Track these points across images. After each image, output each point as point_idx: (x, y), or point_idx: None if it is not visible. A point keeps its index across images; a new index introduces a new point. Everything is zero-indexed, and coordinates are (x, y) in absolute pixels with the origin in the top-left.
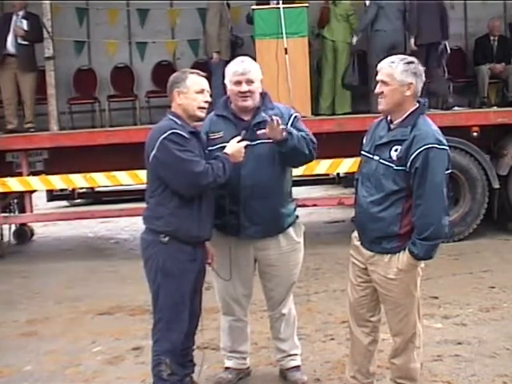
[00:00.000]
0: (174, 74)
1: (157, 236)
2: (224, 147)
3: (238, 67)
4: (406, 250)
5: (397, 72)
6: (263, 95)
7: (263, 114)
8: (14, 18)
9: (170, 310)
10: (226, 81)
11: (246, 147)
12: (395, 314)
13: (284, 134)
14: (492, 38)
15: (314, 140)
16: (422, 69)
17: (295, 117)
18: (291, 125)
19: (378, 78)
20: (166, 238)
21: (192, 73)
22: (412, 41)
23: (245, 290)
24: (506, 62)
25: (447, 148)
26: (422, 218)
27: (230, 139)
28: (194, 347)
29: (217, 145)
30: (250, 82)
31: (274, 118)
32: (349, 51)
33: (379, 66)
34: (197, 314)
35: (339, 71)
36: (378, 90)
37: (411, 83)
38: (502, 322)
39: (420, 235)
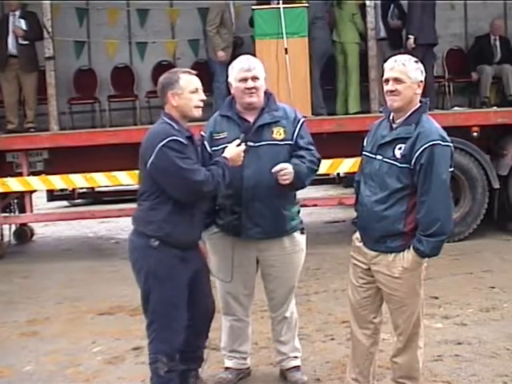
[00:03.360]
0: (165, 76)
1: (147, 240)
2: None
3: (244, 64)
4: (411, 249)
5: (410, 70)
6: (268, 96)
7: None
8: (11, 18)
9: (162, 313)
10: (231, 79)
11: (245, 151)
12: (400, 313)
13: (288, 181)
14: (493, 37)
15: (318, 156)
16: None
17: (302, 123)
18: (297, 133)
19: (390, 75)
20: (156, 243)
21: (183, 72)
22: (411, 40)
23: (246, 290)
24: (507, 62)
25: (451, 145)
26: (428, 214)
27: (233, 140)
28: (205, 345)
29: (220, 145)
30: (255, 78)
31: (276, 170)
32: (358, 51)
33: (389, 65)
34: (206, 312)
35: (350, 72)
36: (390, 87)
37: (421, 81)
38: (502, 321)
39: (425, 232)
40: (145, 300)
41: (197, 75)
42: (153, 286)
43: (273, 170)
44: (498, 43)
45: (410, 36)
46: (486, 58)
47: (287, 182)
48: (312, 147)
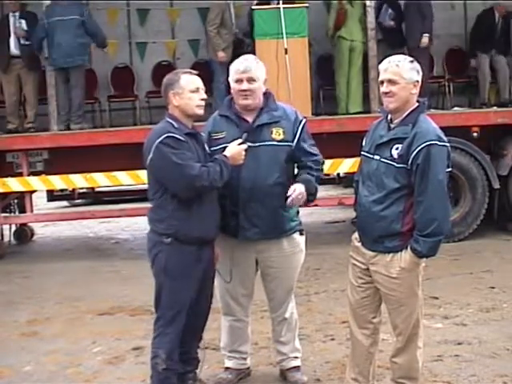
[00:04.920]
0: (167, 77)
1: (160, 237)
2: (226, 147)
3: (240, 65)
4: (408, 249)
5: (404, 70)
6: (267, 95)
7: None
8: (12, 19)
9: (170, 309)
10: (230, 79)
11: (246, 150)
12: (398, 313)
13: (303, 200)
14: (497, 15)
15: (322, 159)
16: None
17: (303, 125)
18: (299, 136)
19: (384, 77)
20: (169, 239)
21: (184, 73)
22: (427, 38)
23: (245, 291)
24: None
25: (448, 145)
26: (425, 214)
27: (232, 140)
28: (200, 345)
29: (219, 145)
30: (251, 80)
31: (295, 196)
32: (363, 51)
33: (383, 66)
34: (204, 313)
35: (353, 71)
36: (385, 89)
37: (417, 81)
38: (502, 322)
39: (422, 232)
40: (157, 296)
41: (198, 75)
42: (164, 283)
43: (288, 201)
44: (500, 24)
45: (426, 34)
46: (487, 35)
47: (302, 202)
48: (315, 149)
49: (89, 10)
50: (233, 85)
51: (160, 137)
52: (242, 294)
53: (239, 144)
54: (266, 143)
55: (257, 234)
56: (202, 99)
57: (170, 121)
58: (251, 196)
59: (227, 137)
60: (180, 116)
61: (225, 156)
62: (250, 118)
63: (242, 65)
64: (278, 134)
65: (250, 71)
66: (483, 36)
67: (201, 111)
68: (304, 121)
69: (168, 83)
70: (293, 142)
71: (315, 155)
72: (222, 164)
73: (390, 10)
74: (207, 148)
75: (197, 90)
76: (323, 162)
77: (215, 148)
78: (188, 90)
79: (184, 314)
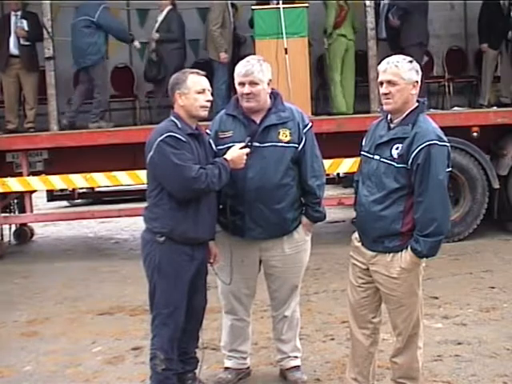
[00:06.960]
0: (174, 76)
1: (154, 236)
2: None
3: (242, 68)
4: (409, 249)
5: (403, 71)
6: (275, 96)
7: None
8: (13, 18)
9: (164, 308)
10: (235, 81)
11: (248, 154)
12: (398, 313)
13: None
14: (502, 2)
15: (325, 167)
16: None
17: (308, 129)
18: (304, 142)
19: (383, 78)
20: (162, 238)
21: (192, 73)
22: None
23: (248, 290)
24: None
25: (448, 145)
26: (425, 214)
27: (239, 140)
28: (198, 344)
29: (226, 144)
30: (252, 83)
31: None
32: (354, 49)
33: (382, 67)
34: (198, 312)
35: (348, 71)
36: (384, 90)
37: (416, 81)
38: (502, 321)
39: (422, 232)
40: (151, 295)
41: (205, 76)
42: (157, 282)
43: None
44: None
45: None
46: (495, 26)
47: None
48: (318, 156)
49: (102, 8)
50: (237, 87)
51: (162, 135)
52: (244, 294)
53: (241, 148)
54: (273, 144)
55: (261, 234)
56: (208, 100)
57: (175, 120)
58: (256, 197)
59: (234, 136)
60: (184, 116)
61: (225, 159)
62: (257, 119)
63: (244, 68)
64: (284, 135)
65: (251, 74)
66: (491, 27)
67: (205, 113)
68: (310, 125)
69: (175, 82)
70: (299, 144)
71: (317, 177)
72: (222, 167)
73: (400, 12)
74: (214, 146)
75: (203, 91)
76: (324, 170)
77: (222, 147)
78: (194, 91)
79: (179, 313)
